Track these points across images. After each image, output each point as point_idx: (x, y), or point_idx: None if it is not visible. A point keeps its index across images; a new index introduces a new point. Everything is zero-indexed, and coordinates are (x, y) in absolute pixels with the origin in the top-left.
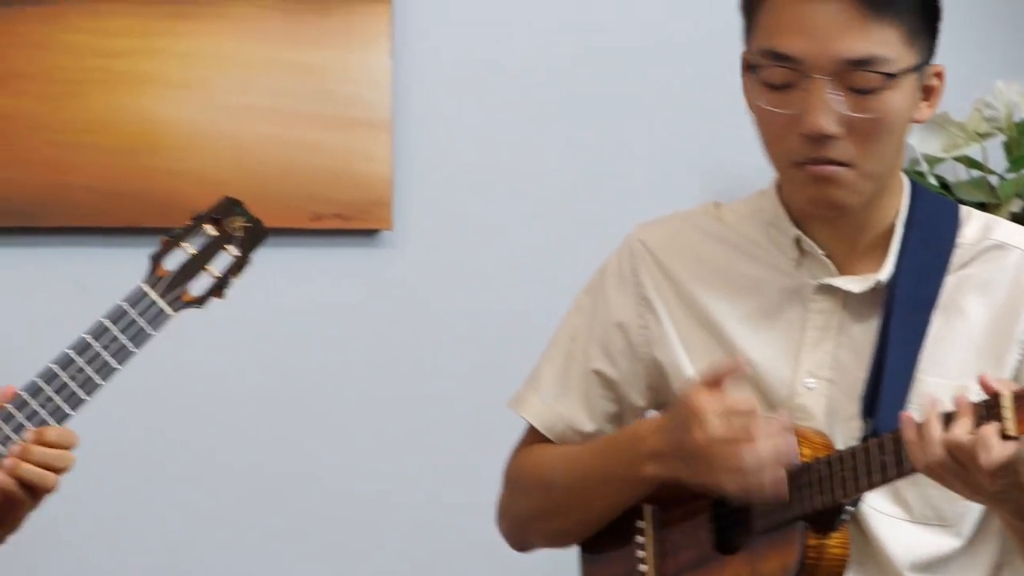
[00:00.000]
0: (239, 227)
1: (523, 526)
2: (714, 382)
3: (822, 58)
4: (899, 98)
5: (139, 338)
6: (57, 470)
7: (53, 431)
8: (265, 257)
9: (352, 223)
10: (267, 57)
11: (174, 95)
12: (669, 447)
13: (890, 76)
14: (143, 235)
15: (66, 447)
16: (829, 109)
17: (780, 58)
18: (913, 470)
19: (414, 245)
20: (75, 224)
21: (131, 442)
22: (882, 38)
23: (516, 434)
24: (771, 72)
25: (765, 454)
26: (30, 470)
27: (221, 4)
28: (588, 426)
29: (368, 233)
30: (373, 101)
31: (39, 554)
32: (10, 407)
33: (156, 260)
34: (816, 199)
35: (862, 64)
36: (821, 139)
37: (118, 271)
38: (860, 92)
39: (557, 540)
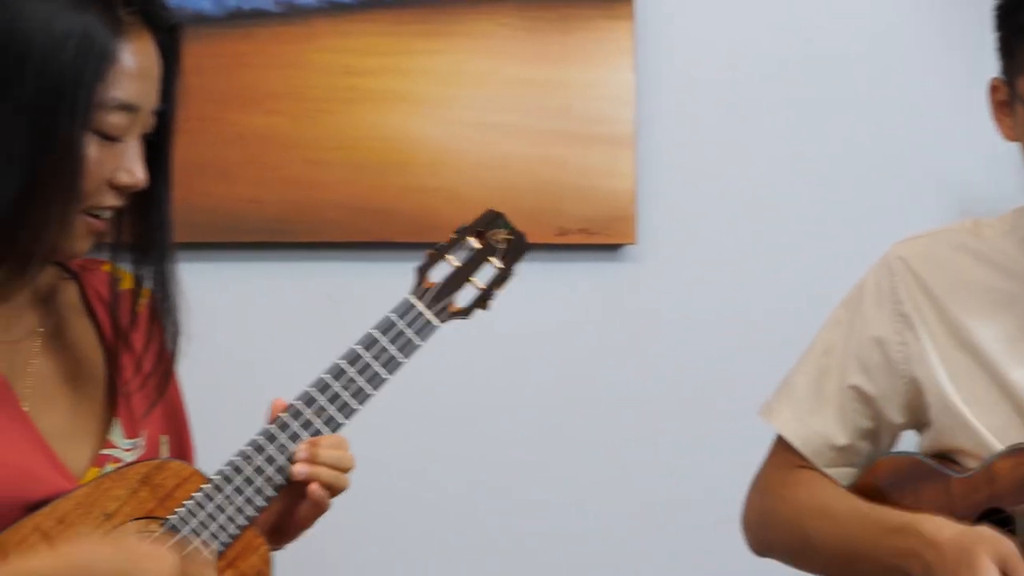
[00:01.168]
0: (502, 239)
1: (771, 551)
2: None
3: None
4: None
5: (407, 349)
6: (344, 470)
7: (328, 439)
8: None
9: (597, 238)
10: (511, 74)
11: (422, 112)
12: (931, 558)
13: None
14: (392, 250)
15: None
16: None
17: None
18: None
19: (658, 258)
20: (326, 239)
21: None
22: None
23: (762, 446)
24: None
25: None
26: (325, 472)
27: (466, 23)
28: (841, 439)
29: (612, 247)
30: (616, 116)
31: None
32: (285, 417)
33: (422, 272)
34: None
35: None
36: None
37: (367, 285)
38: None
39: (805, 571)
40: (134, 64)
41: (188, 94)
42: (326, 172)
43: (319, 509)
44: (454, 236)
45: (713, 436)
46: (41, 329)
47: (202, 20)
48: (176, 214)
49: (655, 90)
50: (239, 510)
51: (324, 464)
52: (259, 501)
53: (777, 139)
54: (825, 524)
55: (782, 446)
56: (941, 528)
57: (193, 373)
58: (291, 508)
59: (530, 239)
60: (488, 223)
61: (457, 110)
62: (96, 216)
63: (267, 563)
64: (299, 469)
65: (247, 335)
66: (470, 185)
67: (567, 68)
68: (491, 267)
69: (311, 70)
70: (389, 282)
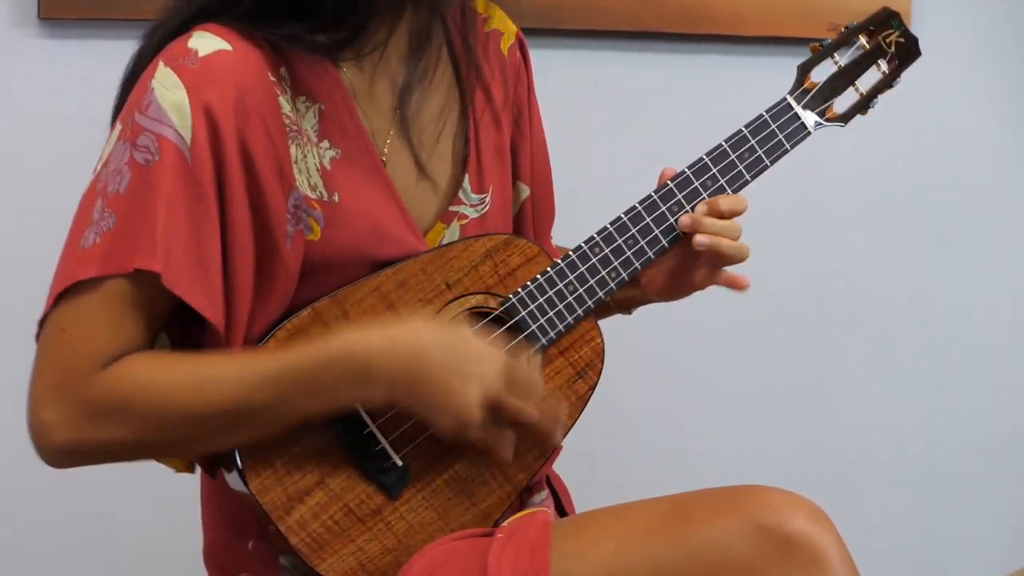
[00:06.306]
0: (893, 42)
1: None
2: None
3: None
4: None
5: (774, 152)
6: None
7: (724, 200)
8: (781, 66)
9: None
10: None
11: None
12: None
13: None
14: (661, 40)
15: (738, 213)
16: None
17: None
18: None
19: (932, 56)
20: (594, 27)
21: None
22: None
23: None
24: None
25: None
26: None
27: None
28: None
29: None
30: None
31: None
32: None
33: (804, 70)
34: None
35: None
36: None
37: (636, 75)
38: None
39: None
40: None
41: None
42: None
43: (703, 269)
44: (843, 32)
45: None
46: (407, 81)
47: None
48: None
49: None
50: (580, 299)
51: (708, 232)
52: (602, 292)
53: None
54: None
55: None
56: None
57: None
58: (684, 267)
59: (799, 33)
60: (881, 22)
61: None
62: None
63: (599, 356)
64: (684, 220)
65: None
66: None
67: None
68: (876, 71)
69: None
70: (658, 73)
